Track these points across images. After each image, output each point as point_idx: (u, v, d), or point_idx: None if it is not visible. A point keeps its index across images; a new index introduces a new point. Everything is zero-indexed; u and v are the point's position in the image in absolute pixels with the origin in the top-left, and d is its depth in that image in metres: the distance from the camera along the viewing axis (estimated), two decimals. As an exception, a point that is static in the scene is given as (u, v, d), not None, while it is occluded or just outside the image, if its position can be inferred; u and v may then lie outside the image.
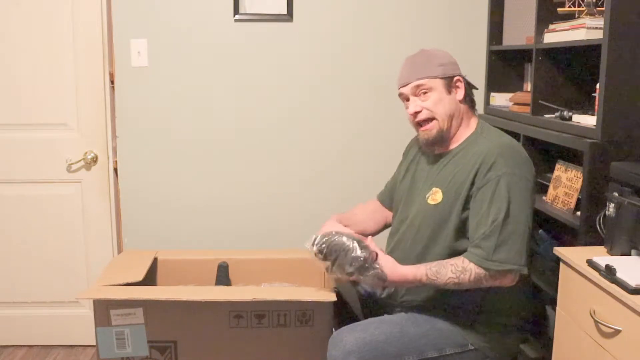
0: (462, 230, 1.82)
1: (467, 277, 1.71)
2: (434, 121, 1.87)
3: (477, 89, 1.97)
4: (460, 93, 1.89)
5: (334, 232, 1.86)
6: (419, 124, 1.90)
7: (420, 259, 1.86)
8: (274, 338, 2.09)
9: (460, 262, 1.73)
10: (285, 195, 2.88)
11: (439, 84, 1.86)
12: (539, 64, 2.27)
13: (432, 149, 1.93)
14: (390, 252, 2.00)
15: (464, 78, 1.91)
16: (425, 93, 1.87)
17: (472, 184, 1.79)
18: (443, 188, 1.85)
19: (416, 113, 1.88)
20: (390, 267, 1.78)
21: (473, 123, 1.93)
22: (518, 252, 1.72)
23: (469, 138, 1.89)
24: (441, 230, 1.84)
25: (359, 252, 1.76)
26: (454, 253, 1.81)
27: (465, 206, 1.80)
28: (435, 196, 1.87)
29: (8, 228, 2.88)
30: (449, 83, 1.88)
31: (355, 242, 1.80)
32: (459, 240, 1.82)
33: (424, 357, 1.79)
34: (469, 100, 1.92)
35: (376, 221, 2.17)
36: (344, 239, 1.80)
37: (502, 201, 1.73)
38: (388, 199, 2.17)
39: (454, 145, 1.91)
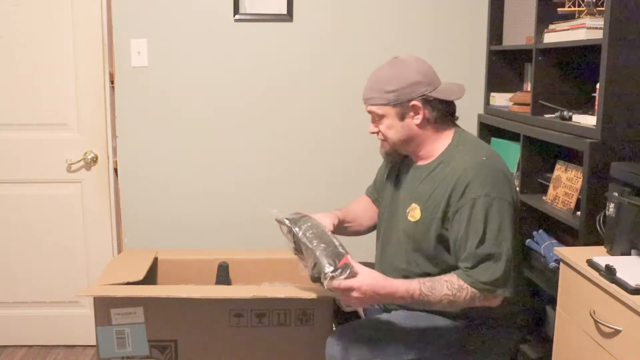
0: (443, 245, 1.80)
1: (463, 295, 1.68)
2: (387, 142, 1.89)
3: (452, 100, 1.86)
4: (418, 118, 1.81)
5: (319, 231, 1.77)
6: None
7: (406, 270, 1.87)
8: (274, 337, 2.09)
9: (455, 279, 1.70)
10: (287, 196, 2.88)
11: (389, 111, 1.82)
12: (539, 64, 2.27)
13: (388, 160, 1.97)
14: (379, 257, 2.02)
15: (425, 99, 1.80)
16: (378, 118, 1.86)
17: (448, 204, 1.76)
18: (421, 205, 1.83)
19: (373, 133, 1.91)
20: (371, 283, 1.66)
21: (447, 136, 1.86)
22: (502, 275, 1.69)
23: (446, 151, 1.84)
24: (422, 246, 1.83)
25: (328, 267, 1.67)
26: (439, 264, 1.81)
27: (443, 225, 1.78)
28: (414, 213, 1.85)
29: (8, 228, 2.88)
30: (403, 109, 1.81)
31: (329, 250, 1.70)
32: (442, 253, 1.81)
33: (422, 356, 1.79)
34: (435, 119, 1.83)
35: (370, 218, 2.15)
36: (320, 249, 1.71)
37: (479, 225, 1.69)
38: (377, 196, 2.16)
39: (430, 159, 1.87)
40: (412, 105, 1.81)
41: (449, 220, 1.76)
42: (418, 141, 1.86)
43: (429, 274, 1.81)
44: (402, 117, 1.82)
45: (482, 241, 1.69)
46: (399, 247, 1.90)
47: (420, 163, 1.89)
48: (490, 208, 1.70)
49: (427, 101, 1.81)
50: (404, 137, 1.85)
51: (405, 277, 1.86)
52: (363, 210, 2.15)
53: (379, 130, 1.88)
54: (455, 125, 1.90)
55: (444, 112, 1.84)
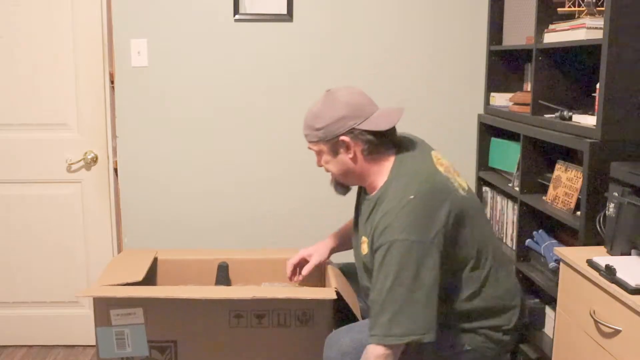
0: None
1: None
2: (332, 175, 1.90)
3: (382, 129, 1.77)
4: (350, 152, 1.78)
5: None
6: None
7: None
8: (274, 338, 2.09)
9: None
10: (287, 196, 2.88)
11: (323, 147, 1.82)
12: (539, 64, 2.27)
13: (337, 192, 1.95)
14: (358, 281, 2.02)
15: (354, 132, 1.76)
16: (317, 154, 1.87)
17: (372, 241, 1.73)
18: (368, 239, 1.80)
19: (320, 166, 1.91)
20: None
21: (386, 167, 1.80)
22: (415, 321, 1.62)
23: (384, 185, 1.78)
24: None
25: None
26: None
27: None
28: (364, 246, 1.84)
29: (8, 228, 2.88)
30: (334, 145, 1.79)
31: None
32: None
33: (420, 358, 1.79)
34: (369, 150, 1.78)
35: None
36: None
37: (391, 270, 1.63)
38: None
39: (374, 191, 1.82)
40: (342, 141, 1.78)
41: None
42: (357, 174, 1.83)
43: None
44: (335, 153, 1.82)
45: (392, 288, 1.63)
46: (361, 275, 1.91)
47: (370, 194, 1.86)
48: (408, 253, 1.63)
49: (357, 135, 1.77)
50: (342, 171, 1.84)
51: None
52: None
53: (323, 164, 1.88)
54: (399, 151, 1.82)
55: (376, 143, 1.78)
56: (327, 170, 1.89)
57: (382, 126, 1.77)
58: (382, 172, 1.80)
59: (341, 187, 1.93)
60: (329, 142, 1.80)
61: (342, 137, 1.77)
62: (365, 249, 1.83)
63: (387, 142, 1.80)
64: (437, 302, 1.65)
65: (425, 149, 1.88)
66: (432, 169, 1.78)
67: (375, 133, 1.77)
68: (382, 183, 1.79)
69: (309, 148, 1.88)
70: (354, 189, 1.99)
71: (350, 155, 1.79)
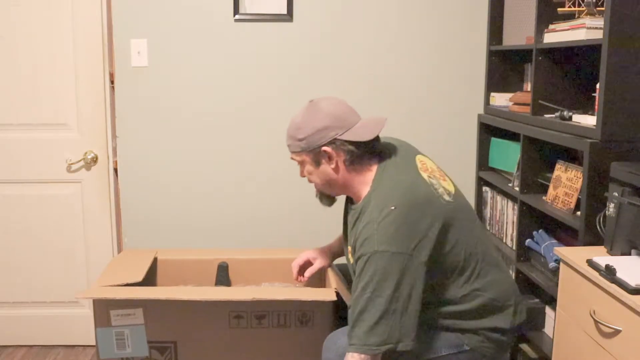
0: None
1: None
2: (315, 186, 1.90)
3: (364, 140, 1.76)
4: (332, 163, 1.78)
5: None
6: None
7: None
8: (274, 338, 2.09)
9: None
10: (287, 195, 2.88)
11: (306, 158, 1.82)
12: (539, 64, 2.27)
13: (322, 203, 1.95)
14: None
15: (336, 143, 1.76)
16: (299, 164, 1.86)
17: (354, 250, 1.73)
18: (352, 249, 1.80)
19: (303, 177, 1.90)
20: None
21: (369, 177, 1.79)
22: (391, 331, 1.62)
23: (367, 196, 1.77)
24: None
25: None
26: None
27: None
28: (349, 256, 1.85)
29: (8, 228, 2.88)
30: (316, 155, 1.79)
31: None
32: None
33: (419, 359, 1.78)
34: (351, 161, 1.77)
35: None
36: None
37: (370, 281, 1.62)
38: None
39: (359, 201, 1.81)
40: (324, 151, 1.78)
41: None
42: (340, 184, 1.83)
43: None
44: (317, 164, 1.81)
45: (372, 298, 1.62)
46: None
47: (355, 204, 1.85)
48: (388, 264, 1.62)
49: (338, 145, 1.77)
50: (325, 182, 1.84)
51: None
52: None
53: (306, 175, 1.88)
54: (382, 160, 1.81)
55: (358, 153, 1.78)
56: (310, 181, 1.88)
57: (364, 136, 1.77)
58: (366, 181, 1.79)
59: (326, 198, 1.93)
60: (312, 152, 1.80)
61: (324, 148, 1.77)
62: (351, 258, 1.83)
63: (369, 151, 1.80)
64: (417, 311, 1.65)
65: (409, 155, 1.86)
66: (414, 176, 1.77)
67: (357, 143, 1.77)
68: (365, 193, 1.78)
69: (292, 158, 1.87)
70: (341, 199, 1.98)
71: (333, 166, 1.79)
